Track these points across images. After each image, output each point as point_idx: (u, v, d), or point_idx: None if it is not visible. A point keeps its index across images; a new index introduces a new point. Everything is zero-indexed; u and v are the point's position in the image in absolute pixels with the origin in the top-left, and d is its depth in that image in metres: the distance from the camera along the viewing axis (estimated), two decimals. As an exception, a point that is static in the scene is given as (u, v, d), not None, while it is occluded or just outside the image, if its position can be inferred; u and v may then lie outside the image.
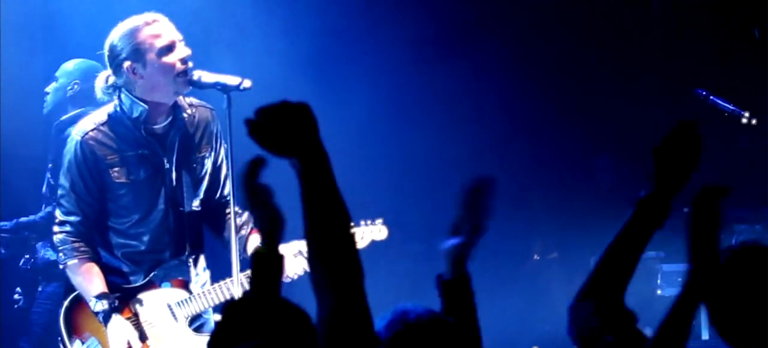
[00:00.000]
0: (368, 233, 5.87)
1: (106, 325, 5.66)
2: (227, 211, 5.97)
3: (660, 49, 8.32)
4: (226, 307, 2.85)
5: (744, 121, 7.56)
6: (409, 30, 8.66)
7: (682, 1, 8.92)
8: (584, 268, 7.97)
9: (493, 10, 8.85)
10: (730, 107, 7.64)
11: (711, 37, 8.81)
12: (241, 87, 5.59)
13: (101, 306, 5.64)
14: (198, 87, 5.68)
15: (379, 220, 5.86)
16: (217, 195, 5.94)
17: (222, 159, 5.92)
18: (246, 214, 5.81)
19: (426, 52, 8.79)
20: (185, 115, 5.79)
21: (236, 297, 5.60)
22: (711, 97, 7.71)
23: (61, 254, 5.73)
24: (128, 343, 5.70)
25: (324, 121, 9.15)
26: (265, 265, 2.93)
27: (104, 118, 5.74)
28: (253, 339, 2.74)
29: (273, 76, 7.86)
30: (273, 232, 2.98)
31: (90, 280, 5.68)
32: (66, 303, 5.80)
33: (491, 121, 8.79)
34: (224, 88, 5.60)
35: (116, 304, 5.67)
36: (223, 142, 5.91)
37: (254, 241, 5.76)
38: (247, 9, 8.07)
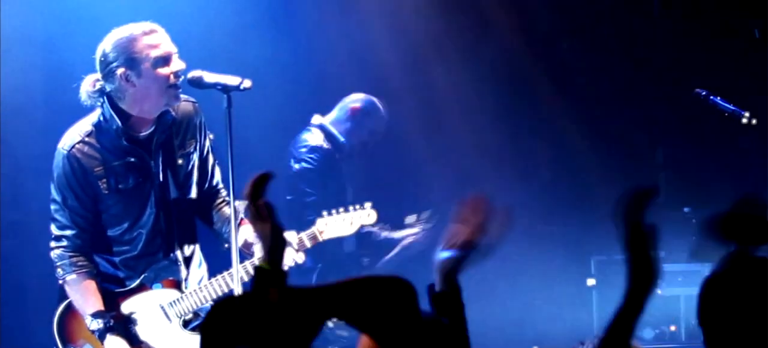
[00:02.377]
0: (357, 218, 5.88)
1: (102, 342, 5.67)
2: (217, 201, 5.98)
3: (661, 50, 8.33)
4: (213, 310, 2.84)
5: (744, 121, 7.56)
6: (410, 27, 8.66)
7: (682, 1, 8.91)
8: (586, 268, 7.98)
9: (496, 11, 8.84)
10: (730, 107, 7.63)
11: (711, 37, 8.80)
12: (242, 87, 5.60)
13: (97, 324, 5.67)
14: (198, 87, 5.69)
15: (368, 204, 5.87)
16: (206, 186, 5.96)
17: (207, 149, 5.94)
18: (237, 203, 5.84)
19: (430, 51, 8.78)
20: (169, 116, 5.79)
21: (235, 292, 5.62)
22: (711, 97, 7.71)
23: (59, 270, 5.74)
24: None
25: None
26: (266, 280, 2.91)
27: (89, 128, 5.74)
28: (242, 345, 2.73)
29: (273, 76, 7.87)
30: (275, 248, 2.97)
31: (87, 298, 5.71)
32: (59, 310, 5.80)
33: (492, 122, 8.78)
34: (224, 88, 5.61)
35: (112, 324, 5.69)
36: (207, 132, 5.92)
37: (245, 231, 5.78)
38: (247, 9, 8.07)
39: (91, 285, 5.72)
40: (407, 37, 8.65)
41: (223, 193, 6.01)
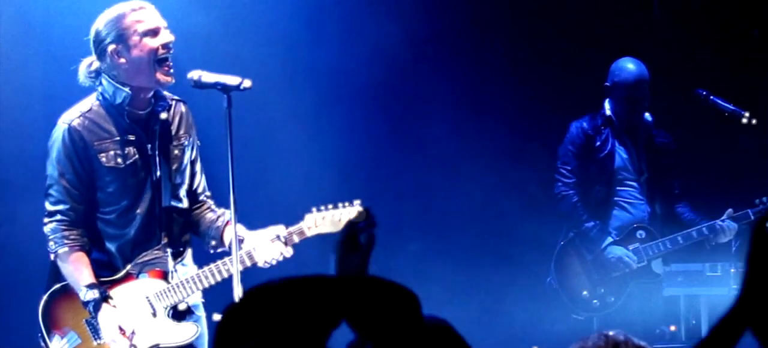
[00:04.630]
0: (346, 214, 5.90)
1: (96, 314, 5.68)
2: (202, 207, 6.05)
3: (661, 50, 8.32)
4: (227, 309, 2.86)
5: (744, 121, 7.57)
6: (410, 27, 8.66)
7: (682, 1, 8.91)
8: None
9: (494, 11, 8.84)
10: (730, 107, 7.63)
11: (711, 37, 8.80)
12: (242, 87, 5.63)
13: (92, 295, 5.67)
14: (198, 87, 5.72)
15: (357, 202, 5.89)
16: (193, 187, 6.02)
17: (197, 151, 6.02)
18: (221, 209, 5.89)
19: (428, 50, 8.79)
20: (165, 103, 5.89)
21: (235, 290, 5.64)
22: (711, 97, 7.71)
23: (51, 243, 5.76)
24: (120, 328, 5.73)
25: (323, 121, 9.16)
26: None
27: (89, 106, 5.82)
28: (252, 338, 2.74)
29: (273, 76, 7.87)
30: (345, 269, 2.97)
31: (80, 270, 5.72)
32: (44, 297, 5.82)
33: (491, 122, 8.79)
34: (224, 88, 5.64)
35: (107, 294, 5.71)
36: (196, 137, 6.01)
37: (229, 233, 5.82)
38: (247, 9, 8.07)
39: (83, 257, 5.74)
40: (410, 32, 8.66)
41: (210, 202, 6.08)
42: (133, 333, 5.73)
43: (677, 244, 7.69)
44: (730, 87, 7.97)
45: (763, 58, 8.60)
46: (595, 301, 7.81)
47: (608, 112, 7.83)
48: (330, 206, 5.86)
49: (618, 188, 7.86)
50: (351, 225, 3.22)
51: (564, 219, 7.96)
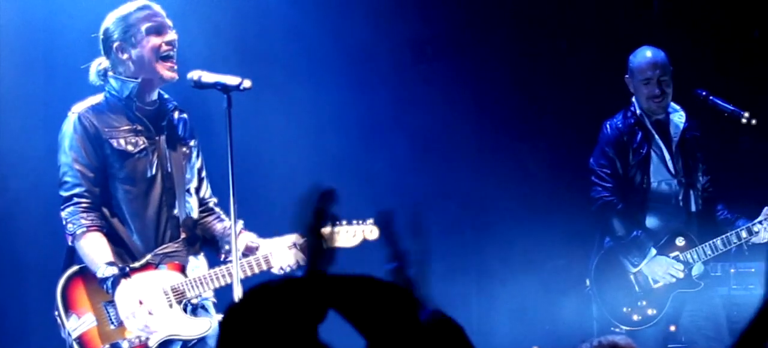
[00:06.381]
0: (360, 232, 6.01)
1: (114, 290, 5.72)
2: (209, 217, 6.13)
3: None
4: (227, 313, 2.86)
5: (744, 121, 7.56)
6: (409, 29, 8.67)
7: (682, 1, 8.92)
8: (586, 269, 7.99)
9: (493, 10, 8.85)
10: (730, 107, 7.63)
11: (711, 37, 8.81)
12: (241, 87, 5.69)
13: (111, 271, 5.73)
14: (198, 87, 5.79)
15: (370, 221, 5.99)
16: (201, 194, 6.12)
17: (201, 160, 6.11)
18: (227, 219, 5.97)
19: (427, 51, 8.79)
20: (171, 103, 6.02)
21: (235, 291, 5.69)
22: (711, 97, 7.70)
23: (69, 226, 5.83)
24: (140, 304, 5.78)
25: (323, 122, 9.18)
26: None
27: (98, 100, 5.93)
28: (253, 338, 2.75)
29: (273, 77, 7.88)
30: (318, 262, 2.97)
31: (99, 248, 5.79)
32: (62, 280, 5.87)
33: (490, 122, 8.80)
34: (224, 88, 5.69)
35: (126, 271, 5.75)
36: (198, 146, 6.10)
37: (242, 240, 5.91)
38: (247, 9, 8.08)
39: (102, 238, 5.81)
40: (409, 34, 8.66)
41: (218, 210, 6.18)
42: (149, 313, 5.78)
43: (717, 250, 7.33)
44: (730, 87, 7.97)
45: (763, 58, 8.61)
46: (636, 316, 7.42)
47: (638, 110, 7.53)
48: (344, 222, 5.98)
49: (654, 191, 7.53)
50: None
51: (604, 225, 7.56)
